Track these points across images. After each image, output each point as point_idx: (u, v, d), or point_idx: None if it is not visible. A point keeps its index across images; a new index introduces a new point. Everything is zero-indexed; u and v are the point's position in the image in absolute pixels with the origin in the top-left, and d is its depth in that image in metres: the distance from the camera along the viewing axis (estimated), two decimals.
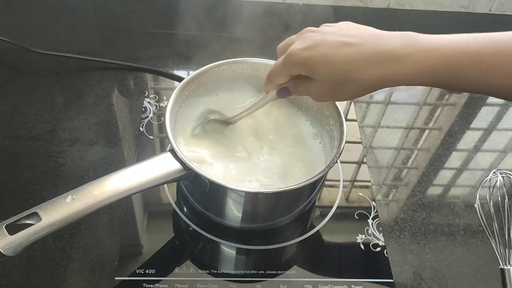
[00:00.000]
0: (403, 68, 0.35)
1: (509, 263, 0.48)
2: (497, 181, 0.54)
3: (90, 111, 0.64)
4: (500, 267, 0.49)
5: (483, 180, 0.55)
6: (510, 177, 0.54)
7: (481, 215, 0.52)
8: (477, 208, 0.53)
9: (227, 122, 0.54)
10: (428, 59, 0.34)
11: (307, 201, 0.52)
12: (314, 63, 0.38)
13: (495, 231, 0.50)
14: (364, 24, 0.41)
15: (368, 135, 0.66)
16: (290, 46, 0.41)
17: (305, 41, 0.40)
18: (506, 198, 0.52)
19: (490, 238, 0.50)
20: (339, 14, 0.87)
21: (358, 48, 0.37)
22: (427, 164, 0.63)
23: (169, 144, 0.45)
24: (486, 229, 0.51)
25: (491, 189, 0.53)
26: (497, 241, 0.50)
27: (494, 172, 0.54)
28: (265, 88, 0.47)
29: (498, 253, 0.49)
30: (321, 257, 0.51)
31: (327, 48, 0.38)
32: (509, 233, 0.51)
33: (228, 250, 0.51)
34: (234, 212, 0.48)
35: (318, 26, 0.43)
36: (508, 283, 0.47)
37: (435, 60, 0.34)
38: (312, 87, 0.41)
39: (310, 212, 0.55)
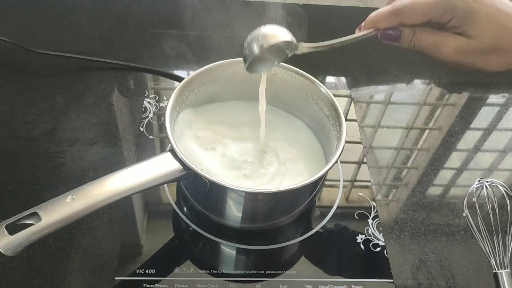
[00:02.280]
0: None
1: (501, 267, 0.49)
2: (482, 189, 0.55)
3: (90, 111, 0.64)
4: (493, 271, 0.49)
5: (468, 190, 0.56)
6: (496, 186, 0.55)
7: (470, 223, 0.53)
8: (466, 217, 0.54)
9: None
10: None
11: (307, 201, 0.52)
12: (479, 18, 0.34)
13: (485, 237, 0.51)
14: None
15: (368, 135, 0.66)
16: None
17: None
18: (493, 205, 0.54)
19: (480, 244, 0.51)
20: (339, 14, 0.87)
21: None
22: (427, 164, 0.63)
23: (169, 144, 0.45)
24: (476, 235, 0.52)
25: (477, 198, 0.55)
26: (488, 247, 0.50)
27: (479, 181, 0.56)
28: (381, 19, 0.39)
29: (490, 258, 0.50)
30: (321, 257, 0.51)
31: (495, 10, 0.35)
32: (498, 238, 0.51)
33: (228, 250, 0.51)
34: (234, 212, 0.48)
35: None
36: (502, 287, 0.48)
37: None
38: (453, 41, 0.36)
39: (310, 212, 0.55)
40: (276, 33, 0.40)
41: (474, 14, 0.34)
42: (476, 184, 0.56)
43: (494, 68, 0.36)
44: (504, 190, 0.54)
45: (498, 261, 0.49)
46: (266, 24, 0.42)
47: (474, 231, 0.52)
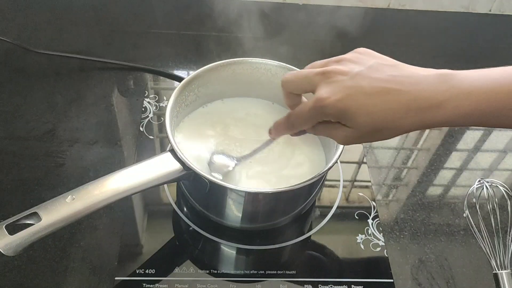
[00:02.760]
0: (443, 113, 0.34)
1: (501, 268, 0.49)
2: (482, 189, 0.55)
3: (90, 111, 0.64)
4: (493, 272, 0.49)
5: (468, 190, 0.57)
6: (496, 186, 0.55)
7: (471, 224, 0.53)
8: (466, 217, 0.54)
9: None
10: (469, 102, 0.33)
11: (307, 201, 0.52)
12: (351, 114, 0.35)
13: (485, 238, 0.51)
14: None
15: None
16: (309, 84, 0.38)
17: (336, 88, 0.36)
18: (493, 205, 0.54)
19: (481, 244, 0.51)
20: (339, 14, 0.87)
21: (397, 95, 0.35)
22: (427, 164, 0.63)
23: (169, 144, 0.45)
24: (477, 236, 0.52)
25: (477, 198, 0.55)
26: (489, 248, 0.50)
27: (480, 181, 0.56)
28: (280, 130, 0.44)
29: (490, 258, 0.50)
30: (321, 257, 0.51)
31: (363, 97, 0.35)
32: (498, 239, 0.51)
33: (228, 250, 0.51)
34: (234, 212, 0.48)
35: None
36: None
37: (475, 103, 0.33)
38: (340, 132, 0.38)
39: (310, 212, 0.55)
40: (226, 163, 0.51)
41: (344, 112, 0.36)
42: (477, 185, 0.56)
43: (390, 138, 0.37)
44: (504, 190, 0.55)
45: (498, 262, 0.49)
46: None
47: (474, 232, 0.52)
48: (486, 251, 0.50)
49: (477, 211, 0.54)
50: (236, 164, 0.50)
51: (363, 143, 0.64)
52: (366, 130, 0.36)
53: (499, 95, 0.33)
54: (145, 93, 0.68)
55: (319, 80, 0.38)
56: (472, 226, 0.53)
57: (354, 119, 0.36)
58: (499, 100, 0.33)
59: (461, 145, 0.66)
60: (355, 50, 0.40)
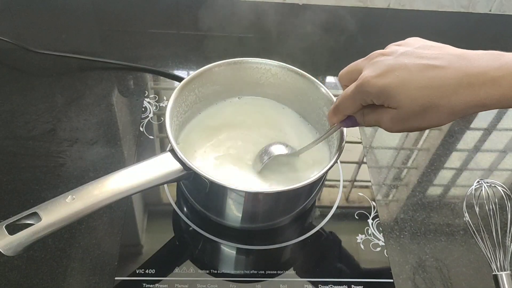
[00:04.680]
0: (498, 91, 0.32)
1: (501, 269, 0.49)
2: (481, 190, 0.55)
3: (90, 111, 0.64)
4: (493, 273, 0.49)
5: (467, 192, 0.57)
6: (495, 187, 0.55)
7: (470, 225, 0.53)
8: (465, 220, 0.54)
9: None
10: None
11: (307, 201, 0.52)
12: (393, 91, 0.34)
13: (485, 239, 0.51)
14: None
15: (368, 135, 0.66)
16: (357, 72, 0.38)
17: (378, 67, 0.36)
18: (492, 206, 0.54)
19: (480, 246, 0.51)
20: (339, 14, 0.87)
21: (444, 71, 0.33)
22: (427, 164, 0.63)
23: (169, 144, 0.45)
24: (476, 237, 0.52)
25: (477, 199, 0.55)
26: (488, 248, 0.50)
27: (478, 182, 0.56)
28: (330, 118, 0.42)
29: (490, 260, 0.50)
30: (321, 257, 0.51)
31: (406, 73, 0.34)
32: (498, 240, 0.51)
33: (228, 250, 0.51)
34: (234, 212, 0.48)
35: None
36: None
37: None
38: (386, 114, 0.36)
39: (310, 212, 0.55)
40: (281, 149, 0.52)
41: (385, 90, 0.34)
42: (475, 185, 0.56)
43: (439, 124, 0.35)
44: (503, 190, 0.54)
45: (498, 263, 0.49)
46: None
47: (474, 232, 0.52)
48: (486, 252, 0.50)
49: (476, 213, 0.54)
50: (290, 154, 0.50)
51: (365, 145, 0.64)
52: (411, 110, 0.34)
53: None
54: (145, 93, 0.68)
55: (364, 64, 0.38)
56: (471, 228, 0.53)
57: (396, 96, 0.34)
58: None
59: (461, 145, 0.66)
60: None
